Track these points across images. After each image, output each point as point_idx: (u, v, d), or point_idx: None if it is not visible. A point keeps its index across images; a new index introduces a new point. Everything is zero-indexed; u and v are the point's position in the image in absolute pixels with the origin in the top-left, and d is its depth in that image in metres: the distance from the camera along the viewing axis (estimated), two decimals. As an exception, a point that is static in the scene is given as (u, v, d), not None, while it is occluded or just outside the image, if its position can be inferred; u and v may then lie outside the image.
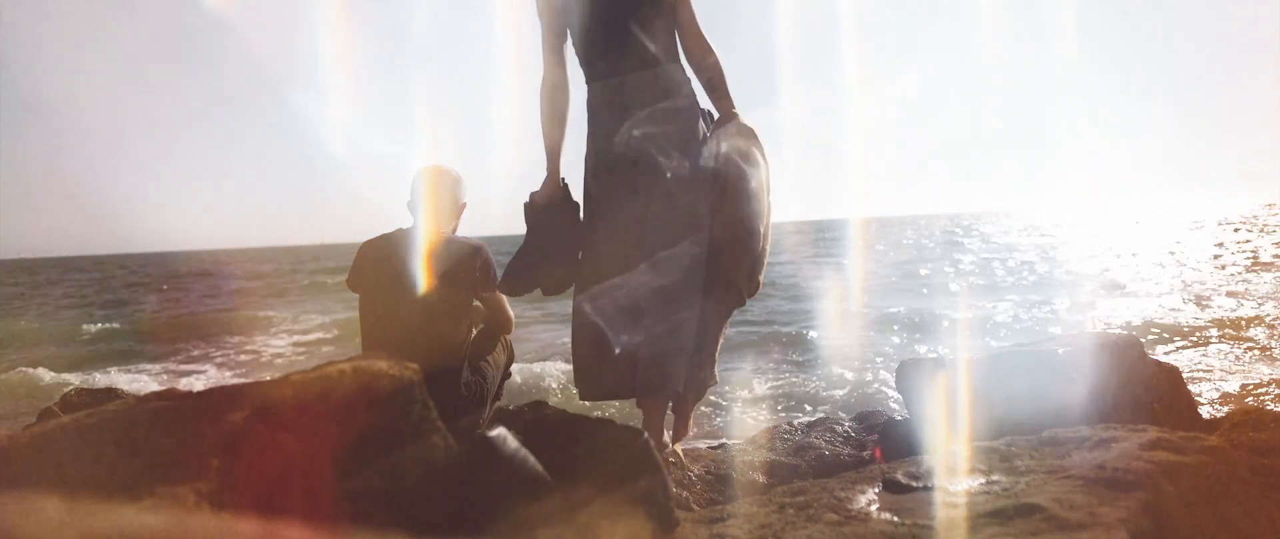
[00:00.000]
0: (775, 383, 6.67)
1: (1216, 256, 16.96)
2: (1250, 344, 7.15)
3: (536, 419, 1.73)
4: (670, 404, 2.29)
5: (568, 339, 2.36)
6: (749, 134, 2.20)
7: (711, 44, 2.23)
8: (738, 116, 2.21)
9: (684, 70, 2.23)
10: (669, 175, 2.12)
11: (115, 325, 13.38)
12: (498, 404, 2.50)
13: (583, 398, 2.27)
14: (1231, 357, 6.61)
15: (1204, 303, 10.09)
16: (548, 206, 2.21)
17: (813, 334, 9.69)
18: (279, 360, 9.27)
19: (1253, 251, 17.54)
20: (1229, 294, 10.90)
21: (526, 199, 2.25)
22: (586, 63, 2.20)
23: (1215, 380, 5.82)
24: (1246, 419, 2.14)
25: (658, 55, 2.15)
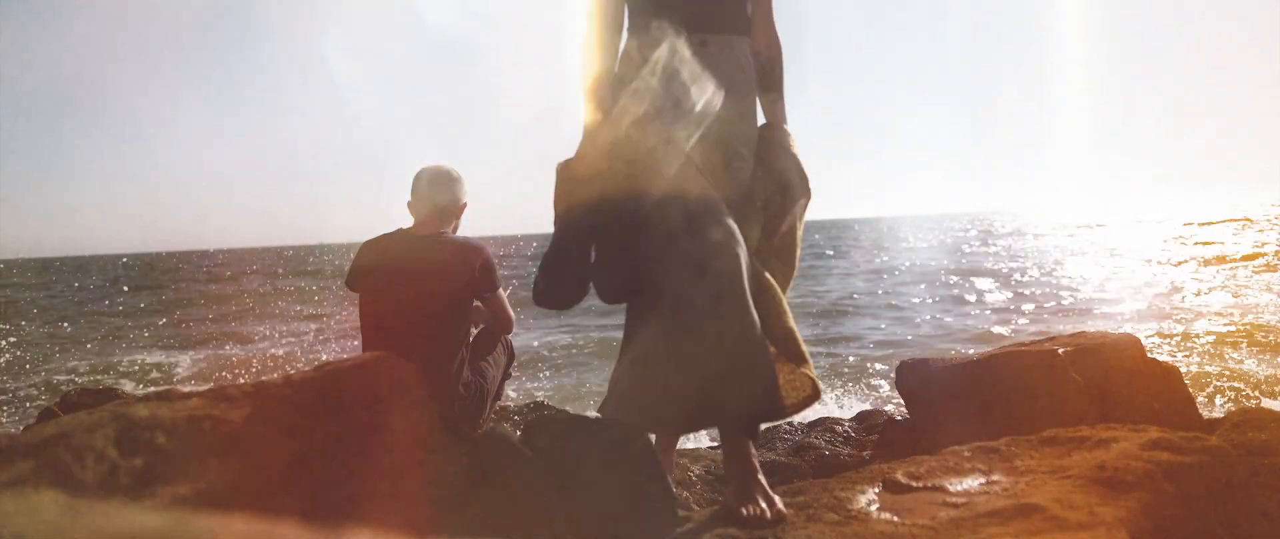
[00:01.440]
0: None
1: (1221, 257, 16.95)
2: (1250, 344, 7.14)
3: (536, 419, 1.74)
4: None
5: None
6: (793, 151, 1.83)
7: (779, 38, 1.88)
8: (788, 131, 1.87)
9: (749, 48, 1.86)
10: (732, 166, 1.74)
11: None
12: (498, 404, 2.50)
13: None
14: (1231, 356, 6.61)
15: (1204, 303, 10.09)
16: (598, 177, 1.63)
17: (813, 333, 9.68)
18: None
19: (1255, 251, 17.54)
20: (1229, 295, 10.90)
21: (559, 166, 1.69)
22: (655, 9, 1.74)
23: (1215, 380, 5.82)
24: (1246, 419, 2.13)
25: (736, 22, 1.79)
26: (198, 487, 0.88)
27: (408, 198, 2.34)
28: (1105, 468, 1.41)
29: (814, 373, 1.72)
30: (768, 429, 3.26)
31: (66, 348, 11.01)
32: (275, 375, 1.10)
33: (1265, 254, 16.48)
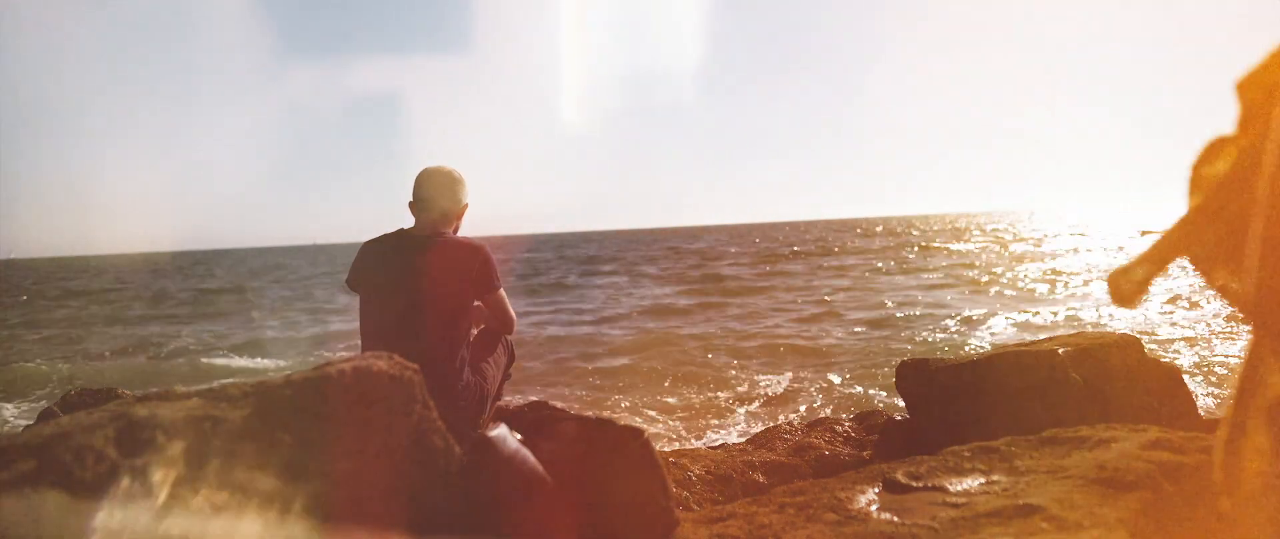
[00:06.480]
0: (776, 383, 6.67)
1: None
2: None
3: (536, 419, 1.74)
4: None
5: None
6: None
7: None
8: None
9: None
10: None
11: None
12: (498, 404, 2.50)
13: None
14: (1231, 357, 6.60)
15: (1205, 303, 10.08)
16: None
17: (812, 333, 9.68)
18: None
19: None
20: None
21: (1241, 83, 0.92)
22: None
23: (1215, 381, 5.82)
24: (1246, 419, 2.13)
25: None
26: (198, 487, 0.88)
27: (409, 198, 2.33)
28: (1105, 468, 1.41)
29: None
30: (767, 429, 3.26)
31: None
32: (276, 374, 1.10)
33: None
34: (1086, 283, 14.06)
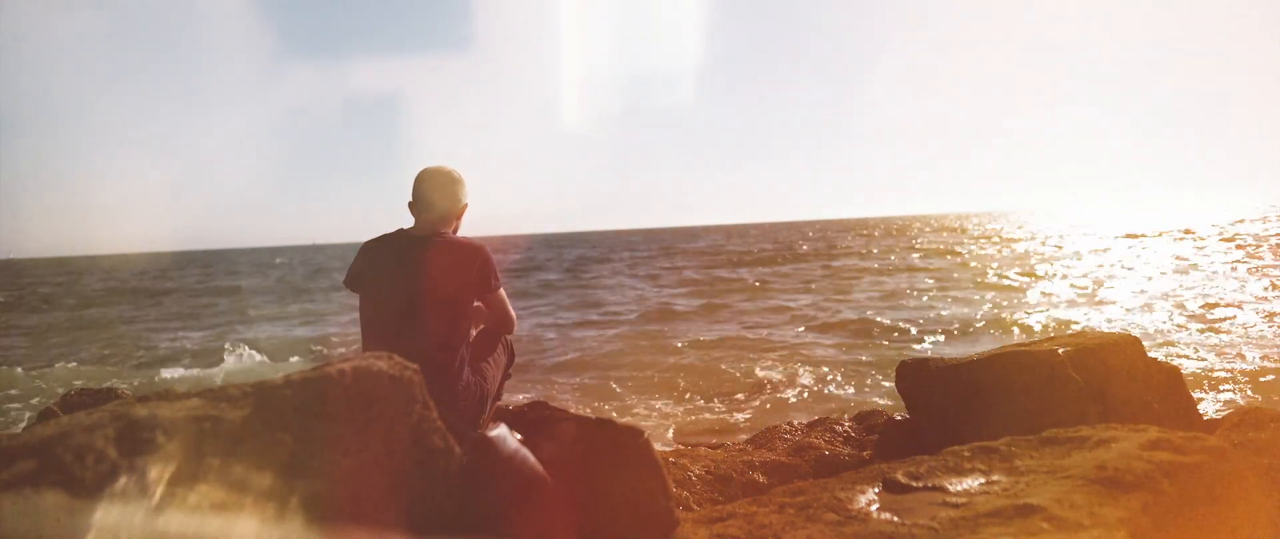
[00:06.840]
0: (775, 383, 6.67)
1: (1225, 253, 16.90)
2: (1250, 344, 7.14)
3: (537, 419, 1.74)
4: None
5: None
6: None
7: None
8: None
9: None
10: None
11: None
12: (498, 404, 2.50)
13: None
14: (1231, 357, 6.60)
15: (1205, 304, 10.08)
16: None
17: (812, 335, 9.69)
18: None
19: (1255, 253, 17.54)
20: (1230, 297, 10.89)
21: None
22: None
23: (1215, 380, 5.82)
24: (1246, 419, 2.13)
25: None
26: (198, 486, 0.88)
27: (408, 198, 2.33)
28: (1105, 468, 1.41)
29: None
30: (767, 429, 3.26)
31: None
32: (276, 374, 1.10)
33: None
34: (1079, 286, 14.05)
